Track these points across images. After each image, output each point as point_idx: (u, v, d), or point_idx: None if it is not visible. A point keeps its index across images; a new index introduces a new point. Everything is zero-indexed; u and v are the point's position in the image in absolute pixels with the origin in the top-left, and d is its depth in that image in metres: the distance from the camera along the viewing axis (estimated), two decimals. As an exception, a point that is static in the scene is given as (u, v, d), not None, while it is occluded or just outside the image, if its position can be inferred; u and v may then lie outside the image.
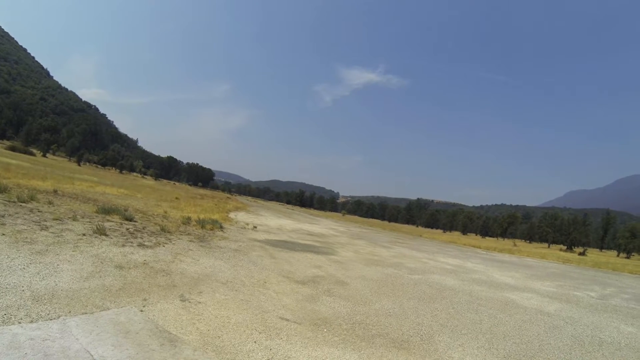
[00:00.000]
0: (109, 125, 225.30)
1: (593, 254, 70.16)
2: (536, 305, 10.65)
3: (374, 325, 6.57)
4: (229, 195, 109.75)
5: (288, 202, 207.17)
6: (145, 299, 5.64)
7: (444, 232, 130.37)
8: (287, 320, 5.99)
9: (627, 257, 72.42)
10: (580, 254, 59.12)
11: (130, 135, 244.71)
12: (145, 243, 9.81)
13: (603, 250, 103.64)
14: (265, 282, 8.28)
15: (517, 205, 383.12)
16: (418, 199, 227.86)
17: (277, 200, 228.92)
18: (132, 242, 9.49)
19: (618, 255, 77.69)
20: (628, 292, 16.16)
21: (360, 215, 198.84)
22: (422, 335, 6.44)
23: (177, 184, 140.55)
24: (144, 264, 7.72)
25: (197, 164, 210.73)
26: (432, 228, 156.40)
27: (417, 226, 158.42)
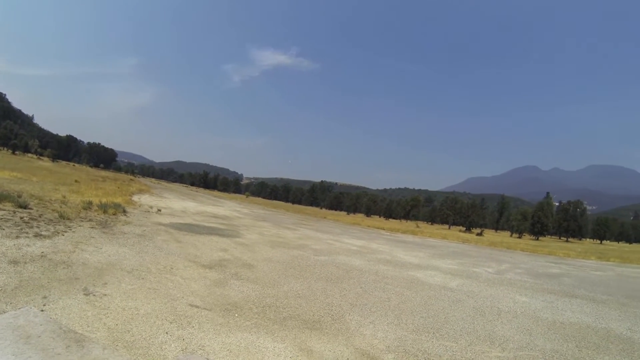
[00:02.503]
0: (1, 98, 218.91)
1: (489, 234, 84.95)
2: (440, 282, 12.55)
3: (285, 307, 7.36)
4: (132, 177, 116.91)
5: (192, 184, 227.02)
6: (45, 297, 5.73)
7: (348, 214, 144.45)
8: (198, 307, 6.51)
9: (519, 237, 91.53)
10: (478, 234, 70.85)
11: (25, 111, 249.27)
12: (43, 233, 10.03)
13: (498, 231, 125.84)
14: (172, 268, 8.91)
15: (420, 190, 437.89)
16: (322, 181, 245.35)
17: (181, 182, 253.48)
18: (27, 233, 9.63)
19: (511, 236, 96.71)
20: (521, 267, 19.92)
21: (264, 197, 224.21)
22: (333, 315, 7.32)
23: (76, 165, 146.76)
24: (42, 256, 7.85)
25: (99, 144, 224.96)
26: (336, 210, 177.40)
27: (321, 208, 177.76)
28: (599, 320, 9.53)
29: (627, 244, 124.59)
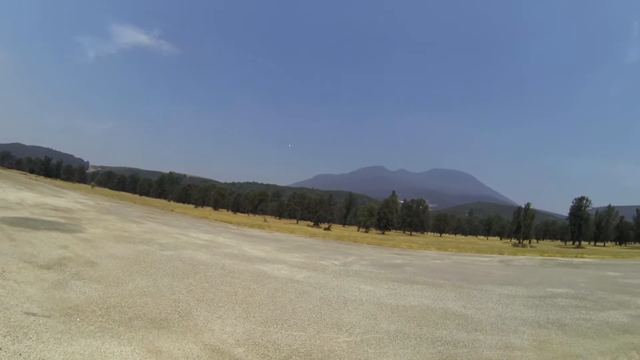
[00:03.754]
0: None
1: (337, 229, 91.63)
2: (287, 275, 13.19)
3: (130, 306, 7.26)
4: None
5: (32, 171, 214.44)
6: None
7: (196, 207, 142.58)
8: (35, 314, 6.11)
9: (366, 232, 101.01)
10: (325, 229, 75.72)
11: None
12: None
13: (346, 226, 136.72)
14: (3, 271, 8.24)
15: (269, 184, 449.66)
16: (170, 172, 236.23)
17: (19, 169, 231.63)
18: None
19: (359, 230, 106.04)
20: (366, 259, 21.91)
21: (111, 188, 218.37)
22: (180, 312, 7.36)
23: None
24: None
25: None
26: (184, 203, 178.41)
27: (169, 201, 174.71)
28: (437, 301, 11.21)
29: (463, 237, 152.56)
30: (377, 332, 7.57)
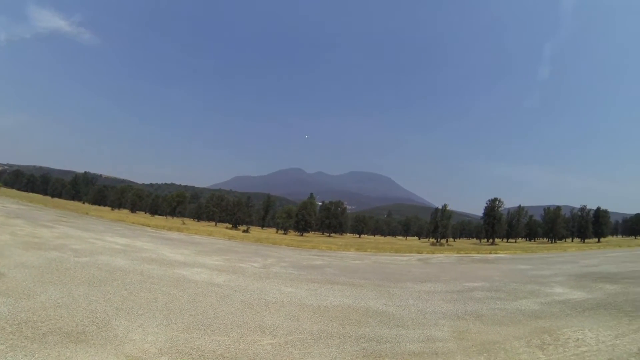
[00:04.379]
0: None
1: (256, 231, 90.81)
2: (206, 279, 12.86)
3: (44, 320, 6.71)
4: None
5: None
6: None
7: (112, 209, 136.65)
8: None
9: (285, 234, 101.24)
10: (244, 231, 74.81)
11: None
12: None
13: (264, 228, 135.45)
14: None
15: (187, 186, 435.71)
16: (85, 172, 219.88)
17: None
18: None
19: (277, 232, 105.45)
20: (285, 261, 21.91)
21: (19, 189, 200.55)
22: (98, 323, 6.84)
23: None
24: None
25: None
26: (99, 205, 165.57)
27: (84, 203, 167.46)
28: (358, 301, 11.46)
29: (382, 237, 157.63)
30: (300, 333, 7.58)
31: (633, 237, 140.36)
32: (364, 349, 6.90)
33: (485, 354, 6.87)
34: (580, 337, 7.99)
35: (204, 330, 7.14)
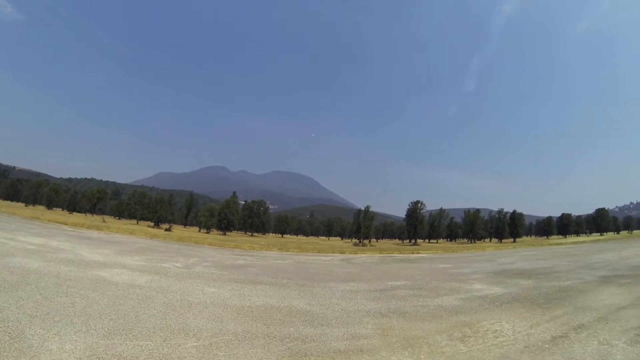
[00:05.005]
0: None
1: (178, 230, 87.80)
2: (127, 280, 12.33)
3: None
4: None
5: None
6: None
7: (27, 205, 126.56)
8: None
9: (208, 232, 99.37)
10: (166, 229, 72.22)
11: None
12: None
13: (187, 226, 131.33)
14: None
15: (108, 181, 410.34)
16: None
17: None
18: None
19: (200, 231, 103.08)
20: (208, 261, 21.52)
21: None
22: (10, 333, 6.33)
23: None
24: None
25: None
26: (12, 201, 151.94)
27: None
28: (282, 300, 11.55)
29: (305, 237, 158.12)
30: (225, 334, 7.54)
31: (545, 237, 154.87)
32: (289, 348, 7.01)
33: (409, 349, 7.25)
34: (498, 328, 8.72)
35: (126, 335, 6.86)
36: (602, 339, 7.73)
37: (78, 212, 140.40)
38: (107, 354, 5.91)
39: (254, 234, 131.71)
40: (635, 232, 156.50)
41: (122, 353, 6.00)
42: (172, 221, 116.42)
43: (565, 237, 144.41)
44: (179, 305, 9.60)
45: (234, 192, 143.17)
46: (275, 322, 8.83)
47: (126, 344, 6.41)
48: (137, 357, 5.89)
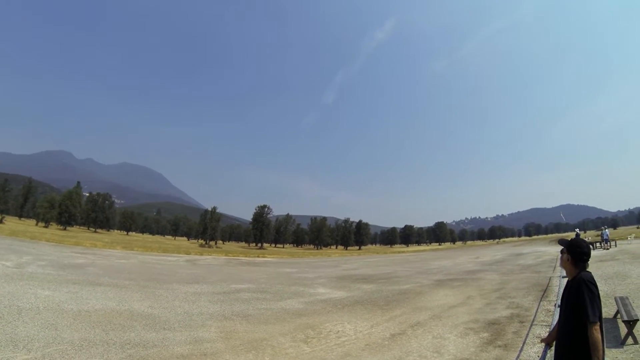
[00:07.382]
0: None
1: (12, 222, 74.77)
2: None
3: None
4: None
5: None
6: None
7: None
8: None
9: (46, 226, 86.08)
10: (-3, 221, 60.65)
11: None
12: None
13: (23, 218, 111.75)
14: None
15: None
16: None
17: None
18: None
19: (37, 224, 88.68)
20: (44, 259, 19.06)
21: None
22: None
23: None
24: None
25: None
26: None
27: None
28: (122, 303, 10.81)
29: (151, 236, 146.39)
30: (59, 343, 6.83)
31: (389, 245, 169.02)
32: (130, 355, 6.64)
33: (253, 352, 7.32)
34: (340, 329, 9.25)
35: None
36: (436, 334, 8.58)
37: None
38: None
39: (97, 229, 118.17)
40: (468, 242, 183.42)
41: None
42: (6, 211, 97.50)
43: (408, 245, 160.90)
44: (7, 311, 8.40)
45: (78, 182, 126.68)
46: (115, 327, 8.27)
47: None
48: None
